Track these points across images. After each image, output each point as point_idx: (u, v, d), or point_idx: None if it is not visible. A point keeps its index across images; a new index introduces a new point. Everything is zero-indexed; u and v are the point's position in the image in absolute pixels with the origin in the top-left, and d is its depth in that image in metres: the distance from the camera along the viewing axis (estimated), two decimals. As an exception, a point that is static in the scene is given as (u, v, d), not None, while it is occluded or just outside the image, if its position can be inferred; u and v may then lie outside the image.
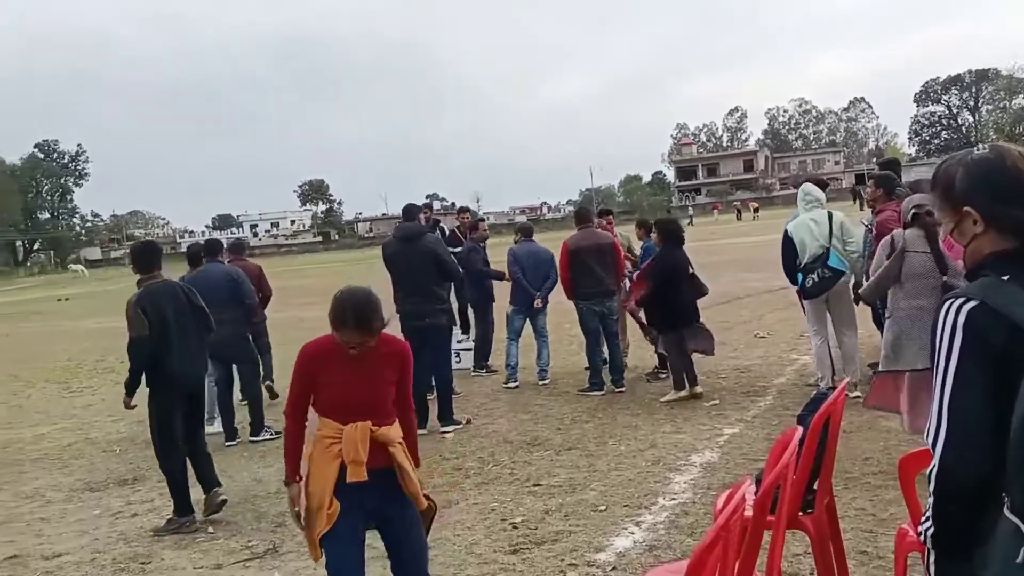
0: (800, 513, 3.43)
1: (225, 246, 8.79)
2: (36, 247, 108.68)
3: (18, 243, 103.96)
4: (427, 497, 3.33)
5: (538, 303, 8.86)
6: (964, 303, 1.61)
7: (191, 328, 5.48)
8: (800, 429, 2.77)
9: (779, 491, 2.69)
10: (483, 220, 11.22)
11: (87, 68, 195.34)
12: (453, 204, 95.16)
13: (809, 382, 7.55)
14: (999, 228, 1.67)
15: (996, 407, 1.53)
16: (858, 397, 6.54)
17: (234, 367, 7.80)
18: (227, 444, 7.48)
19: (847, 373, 6.78)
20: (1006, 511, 1.50)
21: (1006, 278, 1.61)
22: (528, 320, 9.04)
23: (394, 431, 3.22)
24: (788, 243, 7.11)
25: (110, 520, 5.74)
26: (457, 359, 9.58)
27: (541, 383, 8.85)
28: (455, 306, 8.97)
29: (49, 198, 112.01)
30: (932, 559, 1.70)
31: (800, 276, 7.03)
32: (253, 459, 6.98)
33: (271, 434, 7.48)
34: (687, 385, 7.63)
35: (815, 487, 3.54)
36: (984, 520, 1.55)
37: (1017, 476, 1.46)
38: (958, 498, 1.60)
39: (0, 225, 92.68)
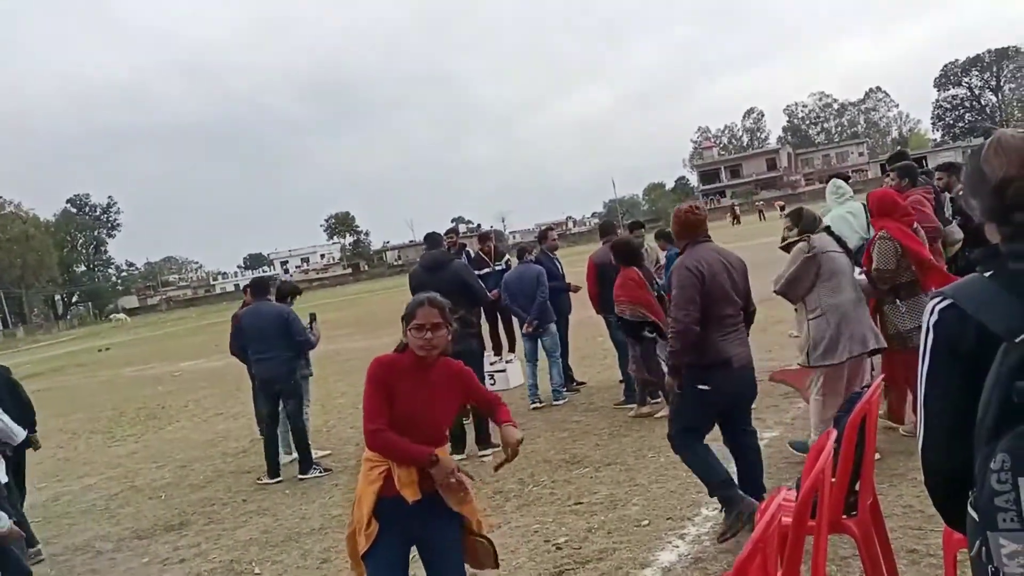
0: (844, 516, 3.40)
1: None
2: (75, 300, 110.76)
3: (57, 297, 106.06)
4: (479, 532, 3.31)
5: (527, 328, 8.73)
6: (939, 302, 1.56)
7: (8, 402, 6.35)
8: (834, 432, 2.74)
9: (818, 496, 2.66)
10: (551, 229, 10.61)
11: (111, 120, 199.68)
12: (479, 226, 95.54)
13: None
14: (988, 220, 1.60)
15: (965, 408, 1.48)
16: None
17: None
18: (269, 480, 7.53)
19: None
20: (969, 506, 1.50)
21: (988, 274, 1.53)
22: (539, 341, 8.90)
23: (443, 455, 3.22)
24: None
25: (159, 567, 5.80)
26: (491, 381, 9.60)
27: (555, 403, 8.80)
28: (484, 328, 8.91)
29: (84, 251, 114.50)
30: None
31: None
32: (296, 496, 7.02)
33: (320, 471, 7.51)
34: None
35: (857, 488, 3.50)
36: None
37: (978, 474, 1.44)
38: (935, 492, 1.62)
39: (38, 281, 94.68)
